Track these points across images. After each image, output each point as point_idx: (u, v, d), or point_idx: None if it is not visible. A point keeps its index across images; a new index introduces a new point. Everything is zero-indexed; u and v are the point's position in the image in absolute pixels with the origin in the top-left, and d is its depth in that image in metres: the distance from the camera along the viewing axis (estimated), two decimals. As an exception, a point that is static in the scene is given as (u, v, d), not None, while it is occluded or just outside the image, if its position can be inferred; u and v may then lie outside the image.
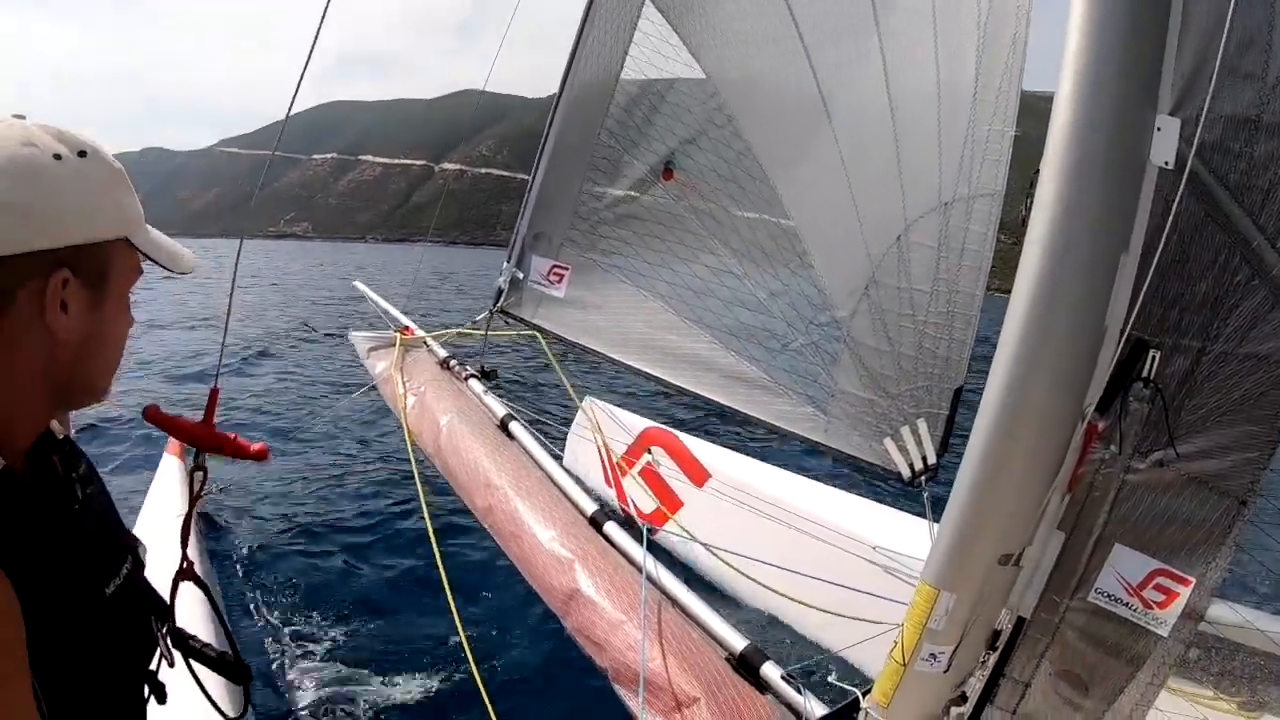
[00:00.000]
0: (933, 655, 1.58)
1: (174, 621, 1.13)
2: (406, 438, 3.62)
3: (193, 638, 1.17)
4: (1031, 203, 1.42)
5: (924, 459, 2.77)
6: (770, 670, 2.17)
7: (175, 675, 1.10)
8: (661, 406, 8.78)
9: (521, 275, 4.25)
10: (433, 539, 2.93)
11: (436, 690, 3.73)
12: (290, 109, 1.73)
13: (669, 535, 3.94)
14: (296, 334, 16.18)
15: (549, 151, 4.07)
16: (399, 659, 3.99)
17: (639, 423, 5.01)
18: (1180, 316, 1.40)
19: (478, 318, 4.57)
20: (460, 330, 4.93)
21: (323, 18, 1.78)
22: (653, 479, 4.54)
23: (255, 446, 1.22)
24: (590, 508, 2.96)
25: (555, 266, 4.12)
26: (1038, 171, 1.41)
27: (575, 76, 3.90)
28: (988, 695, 1.61)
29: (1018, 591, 1.58)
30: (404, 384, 4.05)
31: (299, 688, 3.70)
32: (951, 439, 2.73)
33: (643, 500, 4.43)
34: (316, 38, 1.52)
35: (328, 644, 4.09)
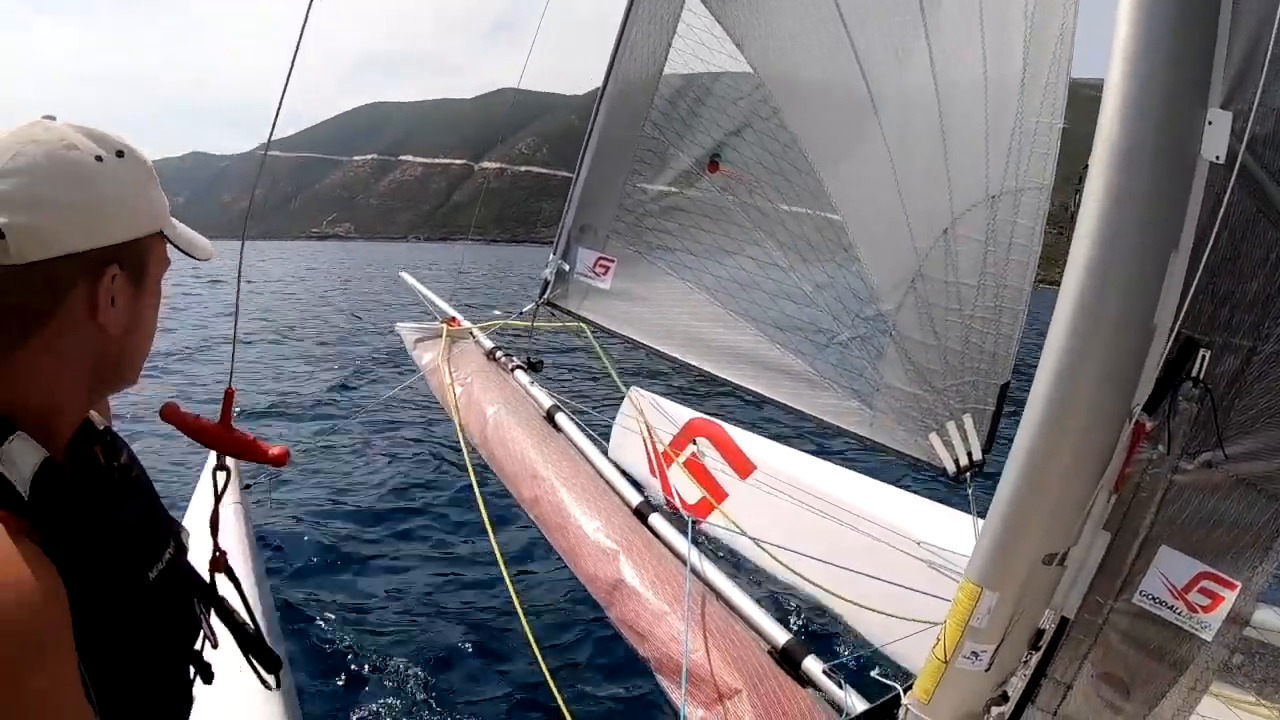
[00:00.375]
0: (974, 653, 1.58)
1: (217, 597, 1.15)
2: (458, 430, 3.67)
3: (235, 612, 1.19)
4: (1080, 197, 1.40)
5: (969, 455, 2.74)
6: (812, 664, 2.17)
7: (216, 655, 1.13)
8: (702, 394, 8.79)
9: (567, 267, 4.27)
10: (489, 528, 2.95)
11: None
12: (279, 108, 1.74)
13: (713, 527, 3.95)
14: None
15: (594, 145, 4.08)
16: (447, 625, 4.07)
17: (684, 413, 5.02)
18: (1231, 315, 1.37)
19: (524, 309, 4.61)
20: (506, 322, 4.98)
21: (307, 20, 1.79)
22: (697, 470, 4.54)
23: (274, 450, 1.21)
24: (635, 499, 2.98)
25: (601, 259, 4.14)
26: (1087, 166, 1.39)
27: (619, 70, 3.90)
28: (1029, 695, 1.60)
29: (1062, 591, 1.56)
30: (451, 375, 4.10)
31: (346, 678, 3.80)
32: (997, 436, 2.70)
33: (687, 491, 4.44)
34: (300, 38, 1.51)
35: (379, 639, 4.19)
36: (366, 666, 3.85)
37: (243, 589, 1.26)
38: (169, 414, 1.19)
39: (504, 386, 3.98)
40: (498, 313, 5.19)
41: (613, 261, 4.09)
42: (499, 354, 4.39)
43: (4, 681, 0.69)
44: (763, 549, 3.28)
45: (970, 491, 2.70)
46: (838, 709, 2.03)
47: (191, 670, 1.09)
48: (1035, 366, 1.45)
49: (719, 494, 4.41)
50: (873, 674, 2.02)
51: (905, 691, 1.76)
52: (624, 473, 3.25)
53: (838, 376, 3.17)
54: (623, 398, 5.09)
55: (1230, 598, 1.36)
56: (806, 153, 3.20)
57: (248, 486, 5.70)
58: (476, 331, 4.74)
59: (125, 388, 1.01)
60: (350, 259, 75.41)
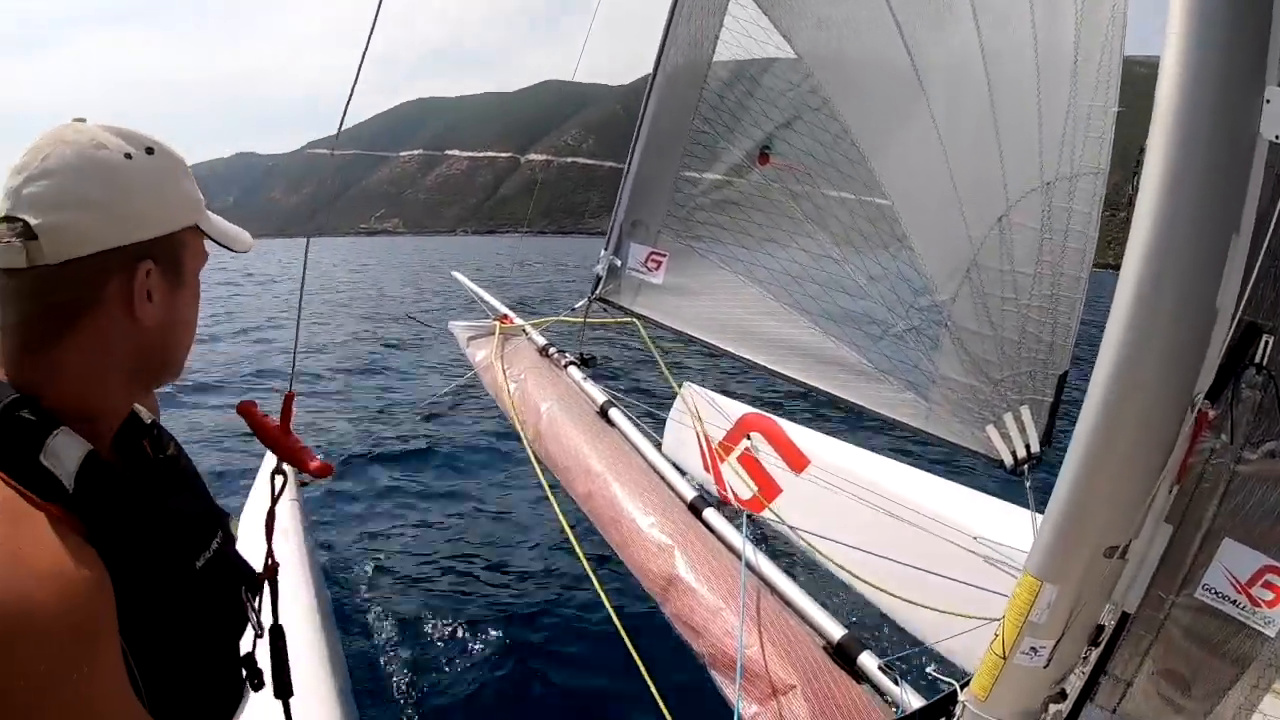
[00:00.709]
0: (1033, 649, 1.55)
1: (262, 590, 1.19)
2: (516, 427, 3.70)
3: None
4: (1139, 180, 1.36)
5: (1027, 447, 2.68)
6: (867, 660, 2.15)
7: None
8: (758, 388, 8.73)
9: (620, 263, 4.28)
10: (569, 532, 2.92)
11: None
12: (346, 108, 1.77)
13: (768, 522, 3.93)
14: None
15: (643, 139, 4.08)
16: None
17: (738, 408, 4.99)
18: (1294, 300, 1.32)
19: (576, 305, 4.63)
20: (559, 319, 5.01)
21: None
22: (751, 465, 4.51)
23: (314, 464, 1.22)
24: (690, 494, 2.98)
25: (653, 253, 4.14)
26: (1143, 149, 1.36)
27: (666, 63, 3.89)
28: (1088, 692, 1.57)
29: (1122, 586, 1.52)
30: (504, 372, 4.14)
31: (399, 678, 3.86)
32: (1056, 427, 2.64)
33: (741, 486, 4.42)
34: (370, 36, 1.54)
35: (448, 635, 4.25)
36: (430, 663, 3.93)
37: (276, 605, 1.25)
38: (243, 410, 1.24)
39: (557, 383, 4.01)
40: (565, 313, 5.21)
41: (665, 256, 4.09)
42: (552, 350, 4.42)
43: (49, 671, 0.72)
44: (816, 544, 3.25)
45: (1028, 484, 2.64)
46: (893, 705, 2.01)
47: (244, 672, 1.12)
48: (1094, 356, 1.42)
49: (773, 489, 4.38)
50: (928, 671, 2.00)
51: (962, 688, 1.73)
52: (678, 467, 3.25)
53: (893, 369, 3.13)
54: (675, 394, 5.08)
55: (1295, 592, 1.32)
56: (858, 142, 3.16)
57: (305, 484, 5.85)
58: (529, 328, 4.77)
59: (169, 381, 1.04)
60: (400, 254, 76.15)
